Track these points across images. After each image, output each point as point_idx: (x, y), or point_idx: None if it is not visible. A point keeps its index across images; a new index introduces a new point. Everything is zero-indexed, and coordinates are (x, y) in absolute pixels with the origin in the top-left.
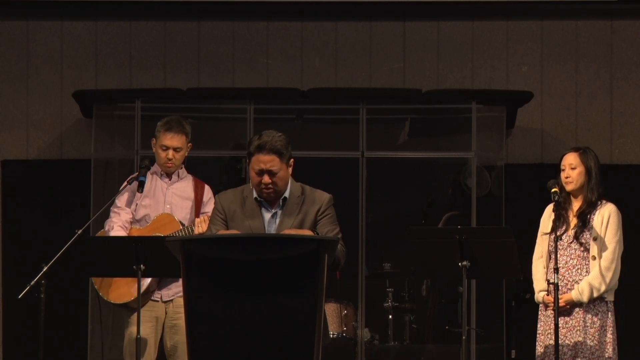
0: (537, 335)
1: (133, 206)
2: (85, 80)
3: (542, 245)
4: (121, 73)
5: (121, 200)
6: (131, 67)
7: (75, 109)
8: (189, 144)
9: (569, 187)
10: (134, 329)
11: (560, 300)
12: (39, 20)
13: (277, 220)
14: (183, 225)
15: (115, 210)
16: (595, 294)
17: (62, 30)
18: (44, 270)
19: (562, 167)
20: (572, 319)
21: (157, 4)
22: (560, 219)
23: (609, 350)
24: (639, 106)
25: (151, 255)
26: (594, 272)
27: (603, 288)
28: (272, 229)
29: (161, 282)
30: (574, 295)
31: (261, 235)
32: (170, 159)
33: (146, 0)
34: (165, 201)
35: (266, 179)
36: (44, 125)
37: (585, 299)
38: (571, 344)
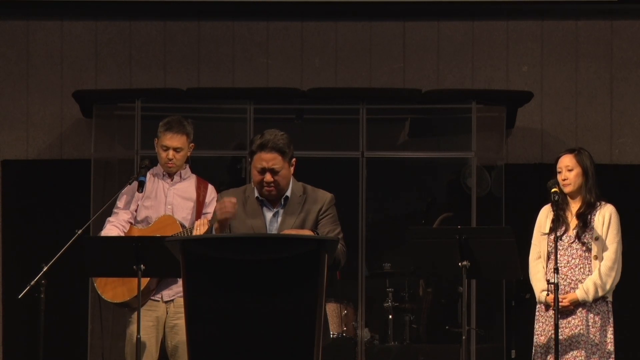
0: (535, 336)
1: (134, 206)
2: (85, 80)
3: (539, 245)
4: (121, 73)
5: (122, 200)
6: (131, 67)
7: (75, 109)
8: (191, 144)
9: (567, 189)
10: (134, 327)
11: (564, 300)
12: (39, 20)
13: (279, 220)
14: (184, 227)
15: (115, 210)
16: (600, 293)
17: (62, 30)
18: (44, 270)
19: (558, 170)
20: (574, 319)
21: (157, 4)
22: (558, 220)
23: (610, 348)
24: (639, 106)
25: (151, 255)
26: (597, 271)
27: (607, 287)
28: (273, 228)
29: (162, 282)
30: (579, 294)
31: (261, 236)
32: (170, 159)
33: (146, 0)
34: (166, 202)
35: (268, 177)
36: (44, 125)
37: (590, 298)
38: (573, 342)
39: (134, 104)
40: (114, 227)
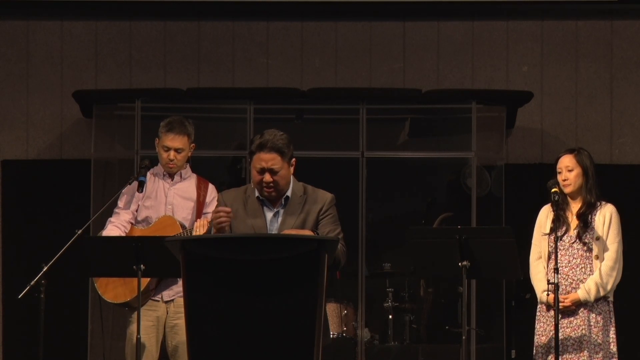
0: (536, 336)
1: (134, 206)
2: (85, 80)
3: (539, 246)
4: (121, 73)
5: (122, 200)
6: (131, 67)
7: (75, 109)
8: (192, 145)
9: (567, 190)
10: (135, 327)
11: (565, 300)
12: (39, 20)
13: (279, 220)
14: (184, 227)
15: (116, 210)
16: (601, 293)
17: (62, 30)
18: (44, 270)
19: (558, 170)
20: (576, 319)
21: (157, 4)
22: (559, 220)
23: (612, 348)
24: (639, 106)
25: (151, 255)
26: (598, 271)
27: (609, 287)
28: (274, 228)
29: (162, 282)
30: (580, 295)
31: (261, 236)
32: (171, 160)
33: (146, 0)
34: (166, 202)
35: (267, 177)
36: (44, 125)
37: (592, 298)
38: (575, 342)
39: (134, 104)
40: (115, 228)
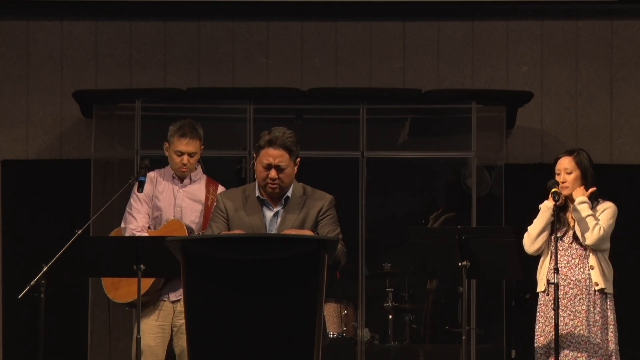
0: (536, 337)
1: (147, 207)
2: (85, 80)
3: None
4: (121, 73)
5: (136, 206)
6: (131, 67)
7: (75, 109)
8: (202, 147)
9: (565, 192)
10: (143, 327)
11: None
12: (39, 20)
13: (279, 220)
14: (191, 231)
15: (134, 214)
16: (585, 218)
17: (62, 30)
18: (44, 270)
19: (557, 171)
20: (574, 319)
21: (157, 4)
22: (559, 220)
23: (611, 346)
24: (639, 106)
25: (151, 255)
26: (599, 223)
27: (588, 233)
28: (273, 228)
29: (168, 282)
30: (581, 199)
31: (261, 236)
32: (185, 164)
33: (146, 0)
34: (175, 204)
35: (273, 173)
36: (44, 125)
37: (583, 207)
38: (573, 342)
39: (134, 104)
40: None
